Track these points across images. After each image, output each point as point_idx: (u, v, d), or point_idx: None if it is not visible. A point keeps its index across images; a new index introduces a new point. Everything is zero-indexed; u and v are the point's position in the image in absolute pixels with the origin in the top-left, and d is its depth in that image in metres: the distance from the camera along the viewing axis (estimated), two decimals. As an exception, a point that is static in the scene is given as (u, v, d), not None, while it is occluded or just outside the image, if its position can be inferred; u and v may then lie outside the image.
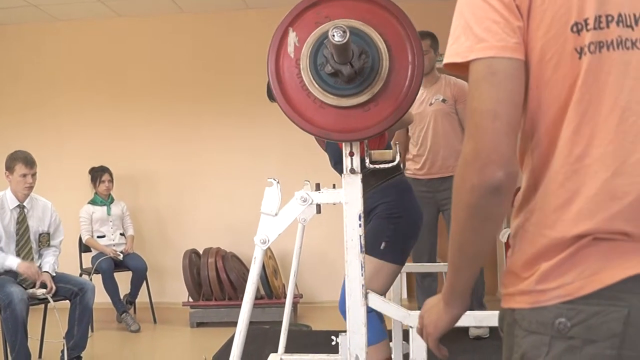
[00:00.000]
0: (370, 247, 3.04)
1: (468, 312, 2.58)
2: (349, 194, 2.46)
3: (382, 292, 3.13)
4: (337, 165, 3.24)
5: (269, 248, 6.28)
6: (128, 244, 6.51)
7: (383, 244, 3.09)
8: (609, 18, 1.25)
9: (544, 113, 1.30)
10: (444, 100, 5.05)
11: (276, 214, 2.52)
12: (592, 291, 1.22)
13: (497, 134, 1.24)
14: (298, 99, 2.50)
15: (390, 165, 2.81)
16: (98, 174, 6.55)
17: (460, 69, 1.31)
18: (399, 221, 3.14)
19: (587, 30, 1.26)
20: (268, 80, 3.33)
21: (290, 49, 2.49)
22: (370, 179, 3.14)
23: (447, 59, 1.33)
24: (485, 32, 1.27)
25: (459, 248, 1.39)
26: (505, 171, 1.24)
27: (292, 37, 2.50)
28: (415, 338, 2.45)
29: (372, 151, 2.52)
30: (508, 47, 1.26)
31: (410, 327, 2.46)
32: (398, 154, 2.58)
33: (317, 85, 2.45)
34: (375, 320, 3.12)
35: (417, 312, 2.49)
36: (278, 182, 2.54)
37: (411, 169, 5.21)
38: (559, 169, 1.27)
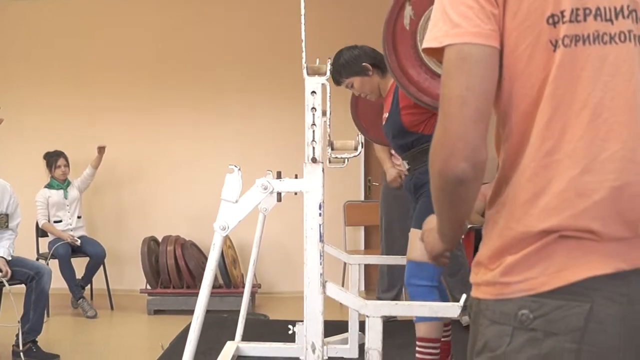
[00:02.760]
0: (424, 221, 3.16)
1: (425, 303, 2.62)
2: (310, 182, 2.47)
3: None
4: (394, 139, 3.41)
5: (228, 237, 6.29)
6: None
7: None
8: (587, 11, 1.25)
9: (516, 106, 1.29)
10: None
11: (236, 201, 2.52)
12: (555, 287, 1.23)
13: (464, 121, 1.23)
14: (413, 68, 2.65)
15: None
16: (53, 158, 6.44)
17: (439, 54, 1.30)
18: None
19: (563, 23, 1.25)
20: (333, 60, 3.50)
21: (406, 21, 2.57)
22: (425, 155, 3.23)
23: (425, 44, 1.32)
24: (461, 18, 1.25)
25: (438, 212, 1.42)
26: (469, 162, 1.24)
27: (408, 10, 2.60)
28: (371, 327, 2.48)
29: (335, 140, 2.54)
30: (481, 34, 1.25)
31: (367, 316, 2.49)
32: (360, 144, 2.59)
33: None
34: (440, 299, 3.25)
35: (374, 302, 2.53)
36: (239, 169, 2.54)
37: None
38: (529, 162, 1.26)
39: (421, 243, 3.12)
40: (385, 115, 3.46)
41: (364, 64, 3.43)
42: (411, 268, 3.22)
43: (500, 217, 1.31)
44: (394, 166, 5.12)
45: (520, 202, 1.27)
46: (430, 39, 1.30)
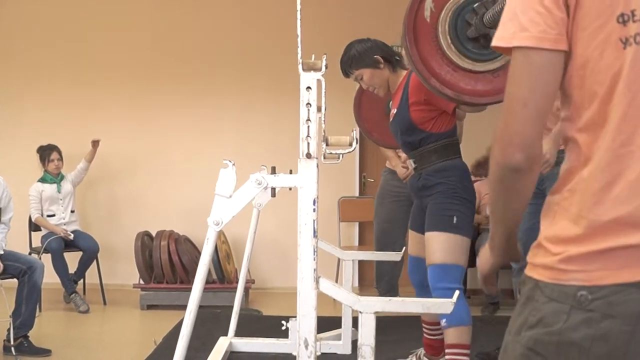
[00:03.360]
0: (442, 224, 3.19)
1: (417, 300, 2.62)
2: (305, 178, 2.47)
3: (466, 266, 3.27)
4: (402, 135, 3.40)
5: (222, 232, 6.26)
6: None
7: (455, 218, 3.17)
8: None
9: (588, 101, 1.34)
10: None
11: (230, 196, 2.52)
12: (612, 283, 1.27)
13: (524, 120, 1.33)
14: (434, 60, 2.64)
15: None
16: (46, 152, 6.42)
17: (506, 52, 1.37)
18: (462, 201, 3.23)
19: (634, 22, 1.29)
20: (343, 52, 3.44)
21: (427, 13, 2.61)
22: (432, 155, 3.30)
23: (493, 42, 1.40)
24: (529, 22, 1.32)
25: (491, 210, 1.52)
26: (525, 154, 1.34)
27: (428, 3, 2.65)
28: (364, 323, 2.47)
29: (330, 136, 2.54)
30: (547, 39, 1.31)
31: (360, 312, 2.48)
32: (355, 140, 2.60)
33: (454, 49, 2.61)
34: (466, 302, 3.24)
35: (367, 298, 2.53)
36: (233, 164, 2.54)
37: None
38: (603, 153, 1.31)
39: (440, 245, 3.16)
40: (394, 111, 3.44)
41: (375, 56, 3.40)
42: (435, 272, 3.19)
43: (570, 205, 1.36)
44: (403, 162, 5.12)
45: (593, 191, 1.31)
46: (498, 38, 1.38)
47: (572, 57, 1.34)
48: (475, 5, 2.56)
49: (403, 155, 5.10)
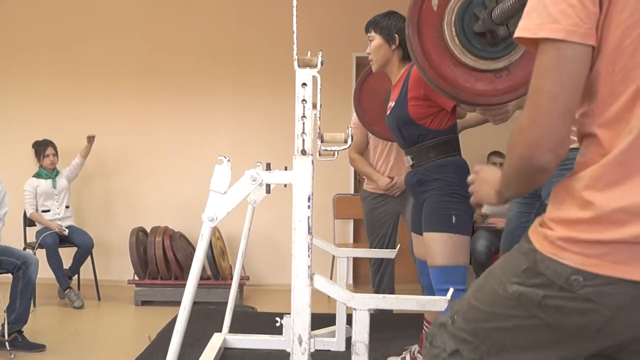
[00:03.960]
0: (442, 224, 3.13)
1: (411, 297, 2.62)
2: (299, 175, 2.47)
3: (467, 264, 3.21)
4: (399, 130, 3.35)
5: (217, 229, 6.24)
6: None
7: (454, 218, 3.13)
8: None
9: (614, 97, 1.33)
10: None
11: (225, 192, 2.52)
12: (607, 275, 1.29)
13: (554, 115, 1.31)
14: (435, 52, 2.54)
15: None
16: (42, 147, 6.42)
17: (529, 44, 1.36)
18: (461, 198, 3.17)
19: None
20: (383, 13, 3.36)
21: (435, 1, 2.52)
22: (430, 152, 3.25)
23: (516, 33, 1.37)
24: (560, 14, 1.30)
25: (506, 184, 1.52)
26: (554, 154, 1.33)
27: None
28: (358, 320, 2.47)
29: (325, 133, 2.53)
30: (579, 33, 1.30)
31: (354, 309, 2.48)
32: (350, 137, 2.59)
33: (458, 42, 2.49)
34: None
35: (361, 295, 2.53)
36: (228, 160, 2.54)
37: None
38: (625, 147, 1.31)
39: (441, 247, 3.11)
40: (391, 104, 3.39)
41: (396, 34, 3.36)
42: (439, 274, 3.15)
43: (580, 191, 1.36)
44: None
45: (606, 182, 1.32)
46: (520, 29, 1.36)
47: (600, 52, 1.33)
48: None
49: (382, 169, 5.09)
